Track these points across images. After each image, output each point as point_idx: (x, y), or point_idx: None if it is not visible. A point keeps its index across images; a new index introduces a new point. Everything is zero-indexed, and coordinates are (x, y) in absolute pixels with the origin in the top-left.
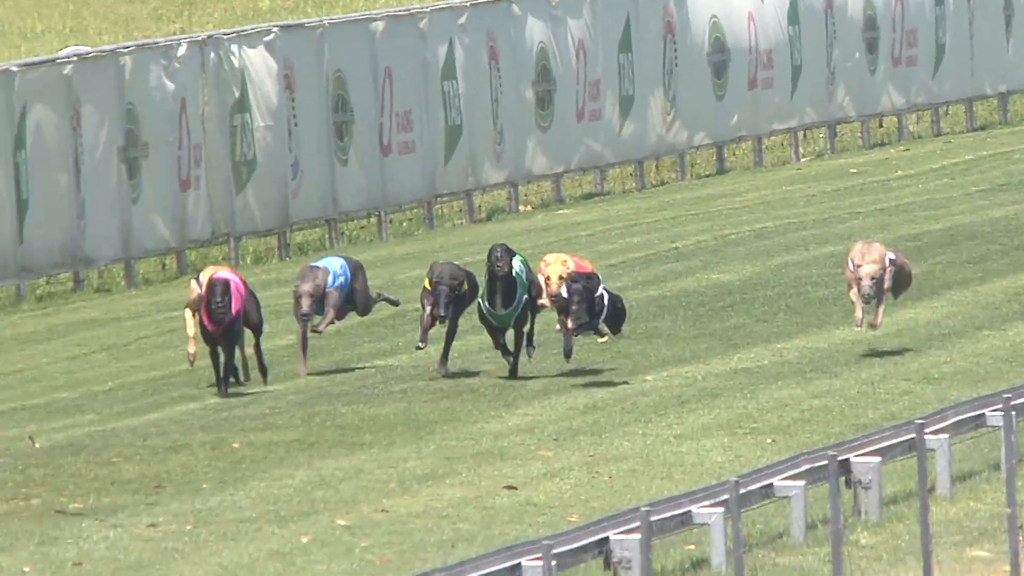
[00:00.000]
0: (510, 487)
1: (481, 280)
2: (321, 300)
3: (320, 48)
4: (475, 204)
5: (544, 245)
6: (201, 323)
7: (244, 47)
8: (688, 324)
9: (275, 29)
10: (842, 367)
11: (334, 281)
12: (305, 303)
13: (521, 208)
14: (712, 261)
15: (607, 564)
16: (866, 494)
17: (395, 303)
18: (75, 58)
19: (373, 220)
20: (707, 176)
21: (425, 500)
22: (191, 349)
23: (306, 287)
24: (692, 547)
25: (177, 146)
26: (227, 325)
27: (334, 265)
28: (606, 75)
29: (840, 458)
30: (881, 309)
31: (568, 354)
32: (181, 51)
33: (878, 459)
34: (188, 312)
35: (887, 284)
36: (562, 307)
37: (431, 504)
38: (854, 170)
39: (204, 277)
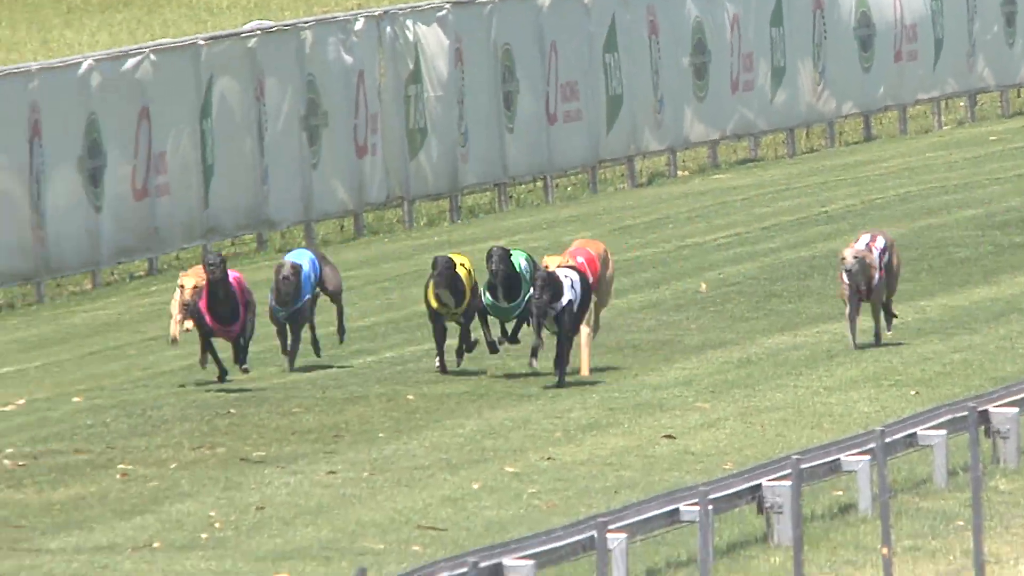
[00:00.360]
0: (669, 436)
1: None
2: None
3: (489, 23)
4: (636, 169)
5: (701, 208)
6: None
7: (418, 22)
8: (837, 283)
9: (447, 5)
10: (981, 324)
11: (306, 291)
12: (287, 269)
13: (679, 173)
14: (859, 223)
15: (760, 509)
16: (1004, 443)
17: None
18: (259, 32)
19: (539, 184)
20: (855, 143)
21: (589, 448)
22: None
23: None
24: (840, 493)
25: (354, 115)
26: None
27: (304, 262)
28: (759, 48)
29: (980, 409)
30: (881, 318)
31: (533, 352)
32: (358, 25)
33: (1016, 410)
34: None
35: (876, 274)
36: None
37: (595, 452)
38: (993, 137)
39: (186, 281)
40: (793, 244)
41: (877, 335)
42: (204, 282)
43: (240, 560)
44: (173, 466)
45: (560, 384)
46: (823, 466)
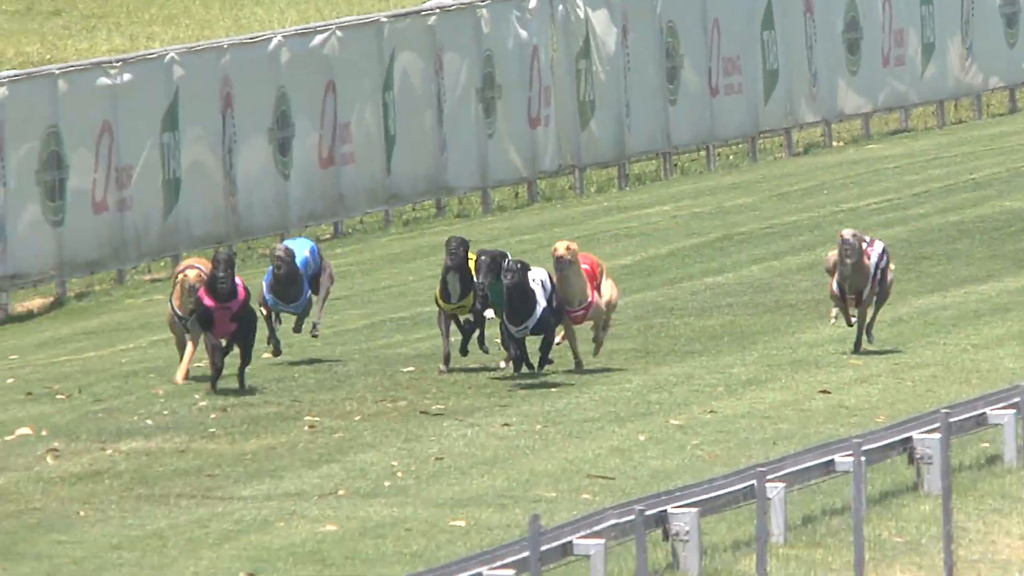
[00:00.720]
0: (824, 391)
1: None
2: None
3: (654, 2)
4: (793, 140)
5: (855, 176)
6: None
7: (588, 1)
8: (984, 246)
9: None
10: None
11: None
12: (280, 249)
13: (834, 143)
14: (1005, 190)
15: (910, 460)
16: None
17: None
18: (438, 10)
19: (702, 153)
20: (1000, 115)
21: (749, 402)
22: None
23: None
24: (986, 445)
25: (528, 88)
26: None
27: (304, 252)
28: (909, 24)
29: None
30: (870, 312)
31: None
32: (532, 4)
33: None
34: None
35: (869, 283)
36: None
37: (754, 406)
38: None
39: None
40: (942, 209)
41: (857, 342)
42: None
43: (420, 507)
44: (357, 418)
45: (540, 367)
46: (970, 419)
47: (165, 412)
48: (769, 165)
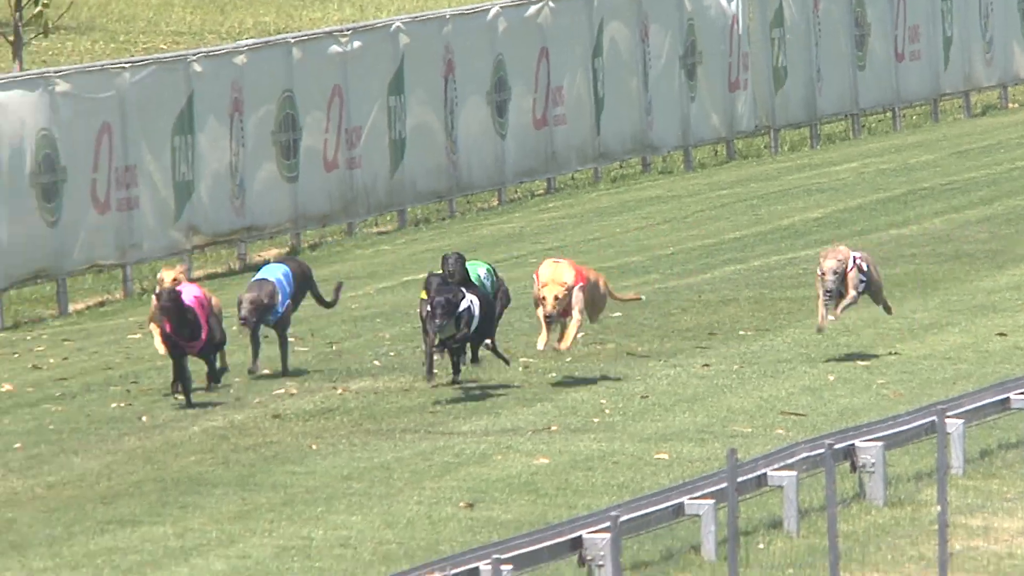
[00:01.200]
0: (1001, 334)
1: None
2: (264, 311)
3: None
4: (971, 102)
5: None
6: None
7: None
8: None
9: None
10: None
11: (284, 300)
12: (245, 309)
13: (1009, 105)
14: None
15: None
16: None
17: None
18: None
19: (888, 115)
20: None
21: (930, 345)
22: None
23: (249, 295)
24: None
25: (728, 54)
26: (199, 343)
27: (278, 275)
28: None
29: None
30: (848, 299)
31: (455, 371)
32: None
33: None
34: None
35: (853, 285)
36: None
37: (935, 348)
38: None
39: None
40: None
41: (835, 311)
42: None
43: (626, 441)
44: (568, 360)
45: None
46: None
47: (391, 354)
48: (949, 125)
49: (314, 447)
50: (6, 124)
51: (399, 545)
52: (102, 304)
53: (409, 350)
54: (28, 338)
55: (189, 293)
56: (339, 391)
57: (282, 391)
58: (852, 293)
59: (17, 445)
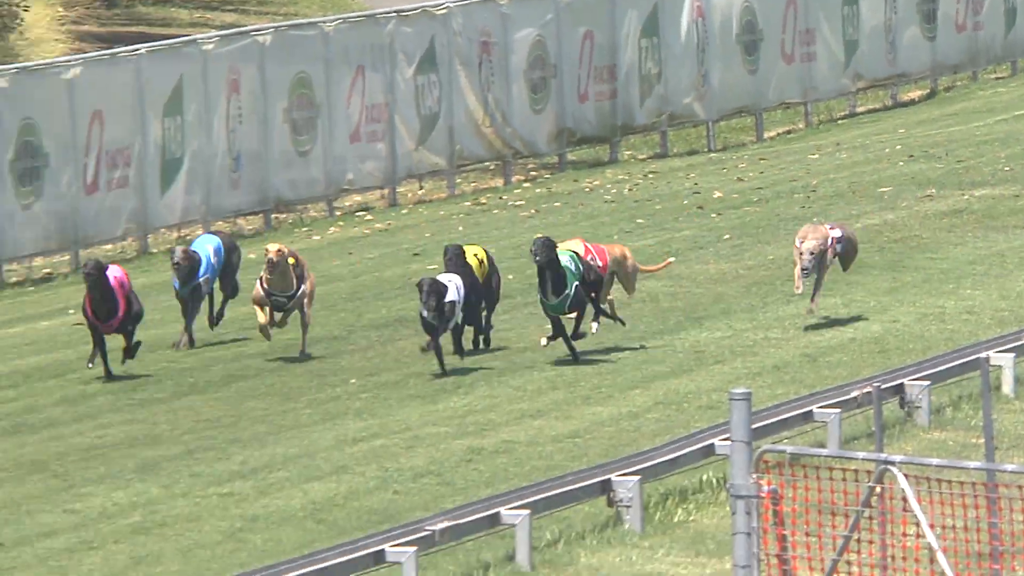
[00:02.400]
0: None
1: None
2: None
3: None
4: None
5: None
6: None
7: None
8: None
9: None
10: None
11: (205, 271)
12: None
13: None
14: None
15: None
16: None
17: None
18: None
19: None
20: None
21: None
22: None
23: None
24: None
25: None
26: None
27: (207, 250)
28: None
29: None
30: (819, 293)
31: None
32: None
33: None
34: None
35: (829, 260)
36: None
37: None
38: None
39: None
40: None
41: (812, 305)
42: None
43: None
44: None
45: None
46: None
47: (1006, 168)
48: None
49: (948, 238)
50: None
51: (1010, 313)
52: (788, 132)
53: (1021, 166)
54: (733, 158)
55: (111, 273)
56: (965, 196)
57: (921, 195)
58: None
59: (726, 236)
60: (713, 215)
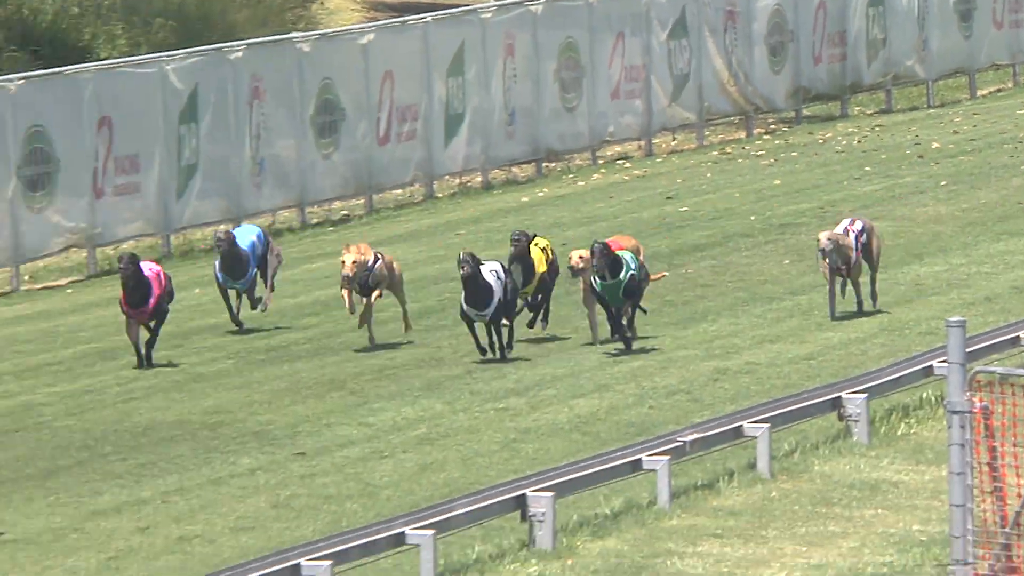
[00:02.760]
0: None
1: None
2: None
3: None
4: None
5: None
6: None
7: None
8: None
9: None
10: None
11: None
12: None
13: None
14: None
15: None
16: None
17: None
18: None
19: None
20: None
21: None
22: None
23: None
24: None
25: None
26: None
27: (250, 238)
28: None
29: None
30: (862, 291)
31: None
32: None
33: None
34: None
35: (853, 254)
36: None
37: None
38: None
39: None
40: None
41: (859, 303)
42: (363, 257)
43: None
44: None
45: (504, 352)
46: None
47: None
48: None
49: None
50: None
51: None
52: (998, 91)
53: None
54: (949, 113)
55: (148, 267)
56: None
57: None
58: (854, 256)
59: (943, 182)
60: (932, 163)
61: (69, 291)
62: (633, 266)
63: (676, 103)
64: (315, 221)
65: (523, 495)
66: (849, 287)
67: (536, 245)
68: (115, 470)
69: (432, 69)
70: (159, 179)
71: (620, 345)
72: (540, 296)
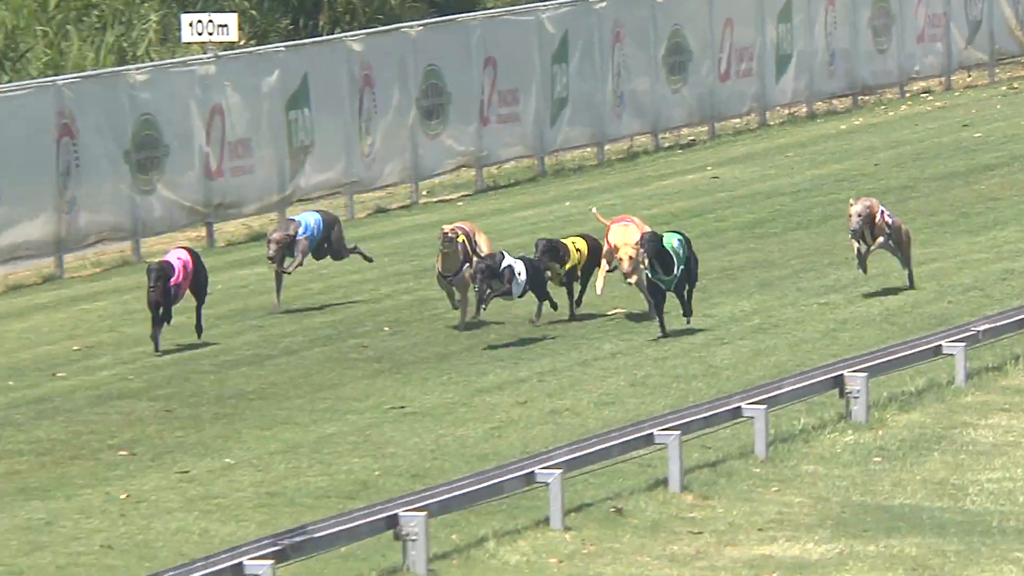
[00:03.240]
0: None
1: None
2: (290, 247)
3: None
4: None
5: None
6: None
7: None
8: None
9: None
10: None
11: (304, 232)
12: (271, 248)
13: None
14: None
15: None
16: None
17: (368, 259)
18: None
19: None
20: None
21: None
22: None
23: (275, 235)
24: None
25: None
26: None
27: (308, 219)
28: None
29: None
30: (877, 243)
31: (537, 316)
32: None
33: None
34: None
35: (881, 232)
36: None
37: None
38: None
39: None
40: None
41: (910, 279)
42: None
43: None
44: None
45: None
46: None
47: None
48: None
49: None
50: None
51: None
52: None
53: None
54: None
55: (177, 257)
56: None
57: None
58: (880, 239)
59: None
60: None
61: (459, 204)
62: (682, 254)
63: (971, 45)
64: (666, 145)
65: (840, 375)
66: None
67: (574, 245)
68: (498, 354)
69: (765, 16)
70: (535, 110)
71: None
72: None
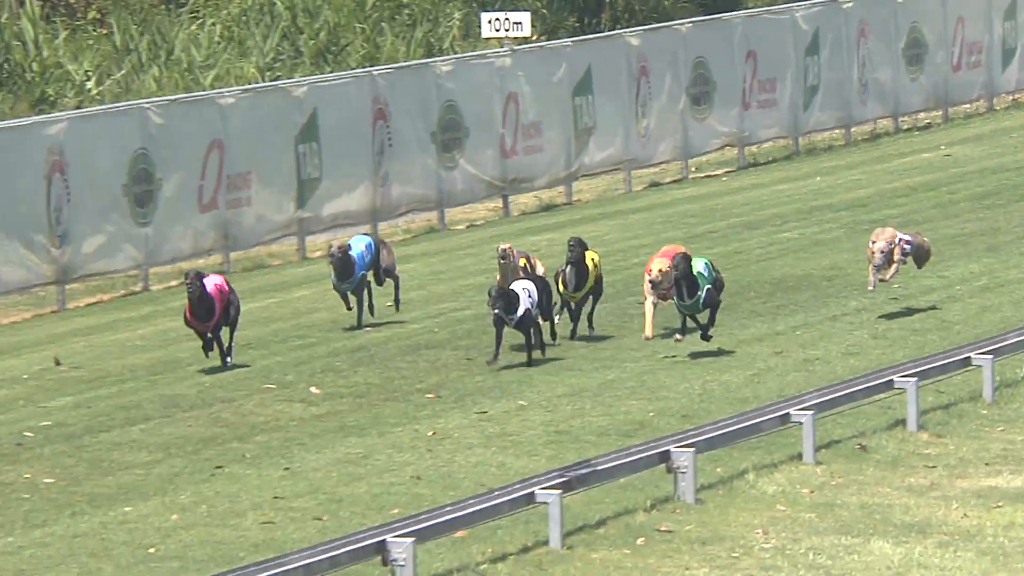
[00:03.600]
0: None
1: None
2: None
3: None
4: None
5: None
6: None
7: None
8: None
9: None
10: None
11: (359, 267)
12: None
13: None
14: None
15: None
16: None
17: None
18: None
19: None
20: None
21: None
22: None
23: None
24: None
25: None
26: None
27: (360, 247)
28: None
29: None
30: (893, 269)
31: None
32: None
33: None
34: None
35: (897, 258)
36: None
37: None
38: None
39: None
40: None
41: (886, 276)
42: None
43: None
44: None
45: (529, 361)
46: None
47: None
48: None
49: None
50: None
51: None
52: None
53: None
54: None
55: (212, 282)
56: None
57: None
58: (893, 268)
59: None
60: None
61: (724, 179)
62: (708, 277)
63: (1005, 72)
64: (905, 127)
65: None
66: None
67: (591, 259)
68: (757, 310)
69: (993, 14)
70: (790, 96)
71: None
72: (577, 303)
